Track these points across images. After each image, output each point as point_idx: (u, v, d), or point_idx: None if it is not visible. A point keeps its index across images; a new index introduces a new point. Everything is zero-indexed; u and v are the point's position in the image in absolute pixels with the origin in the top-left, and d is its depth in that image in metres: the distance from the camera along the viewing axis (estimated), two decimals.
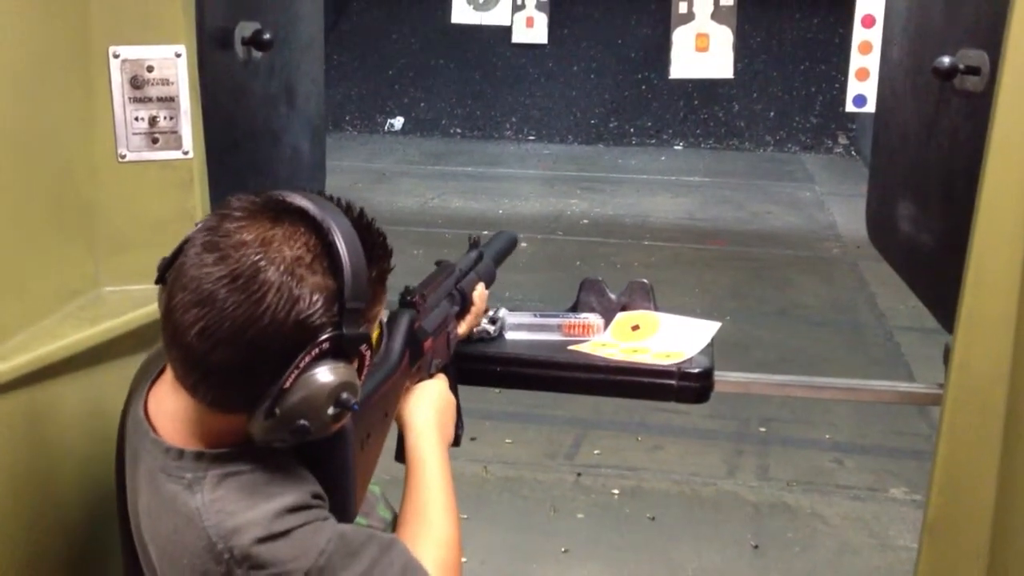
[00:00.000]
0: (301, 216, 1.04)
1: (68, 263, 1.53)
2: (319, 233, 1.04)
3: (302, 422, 1.03)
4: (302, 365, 1.01)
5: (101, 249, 1.57)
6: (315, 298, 1.01)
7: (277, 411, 1.02)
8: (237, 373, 1.01)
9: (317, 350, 1.01)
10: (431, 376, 1.42)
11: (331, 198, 1.10)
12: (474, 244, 1.71)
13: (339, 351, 1.03)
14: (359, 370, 1.08)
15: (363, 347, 1.07)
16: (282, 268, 1.00)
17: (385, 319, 1.33)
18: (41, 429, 1.38)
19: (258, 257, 0.99)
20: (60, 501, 1.40)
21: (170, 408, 1.11)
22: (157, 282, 1.07)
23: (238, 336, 0.99)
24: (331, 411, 1.04)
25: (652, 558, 3.25)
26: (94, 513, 1.42)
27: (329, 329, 1.02)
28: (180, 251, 1.05)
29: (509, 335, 1.81)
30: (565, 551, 3.26)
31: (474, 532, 3.20)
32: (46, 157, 1.45)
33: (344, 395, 1.04)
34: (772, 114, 11.71)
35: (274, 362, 1.00)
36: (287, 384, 1.01)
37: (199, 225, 1.06)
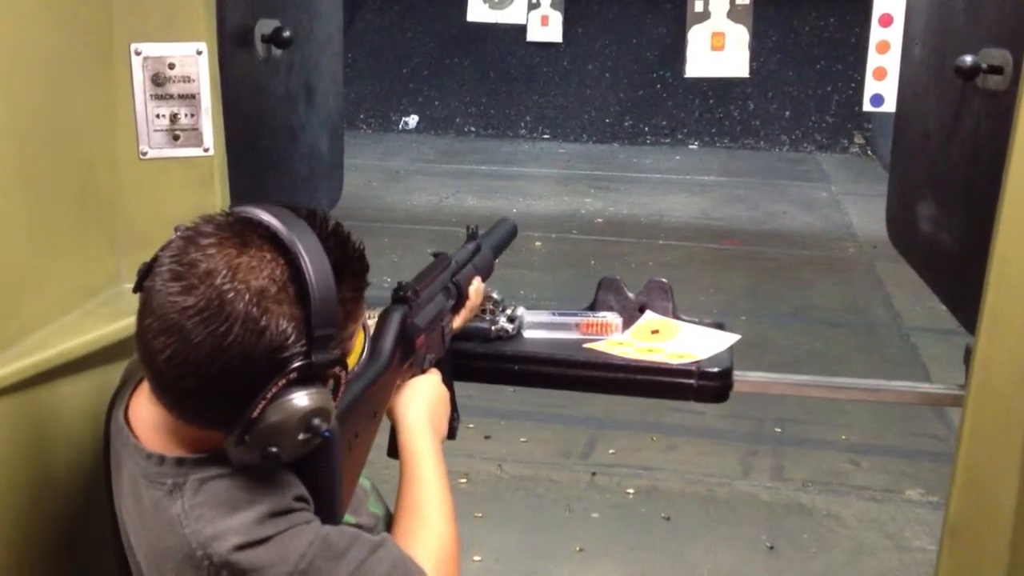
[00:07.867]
0: (270, 239, 1.02)
1: (89, 260, 1.53)
2: (287, 257, 1.02)
3: (272, 449, 1.02)
4: (269, 395, 1.00)
5: (122, 246, 1.58)
6: (282, 328, 0.99)
7: (247, 439, 1.02)
8: (207, 399, 1.01)
9: (285, 380, 1.00)
10: (424, 371, 1.41)
11: (306, 212, 1.08)
12: (472, 235, 1.69)
13: (310, 377, 1.02)
14: (335, 389, 1.07)
15: (337, 368, 1.06)
16: (248, 299, 0.98)
17: (376, 317, 1.32)
18: (61, 424, 1.39)
19: (224, 288, 0.98)
20: (74, 496, 1.40)
21: (149, 418, 1.11)
22: (135, 291, 1.05)
23: (206, 366, 0.98)
24: (302, 436, 1.03)
25: (667, 558, 3.24)
26: (103, 509, 1.42)
27: (299, 358, 1.01)
28: (151, 268, 1.03)
29: (527, 333, 1.81)
30: (580, 550, 3.26)
31: (489, 531, 3.19)
32: (68, 154, 1.46)
33: (315, 421, 1.03)
34: (788, 113, 11.68)
35: (244, 390, 1.00)
36: (255, 413, 1.00)
37: (167, 245, 1.04)
